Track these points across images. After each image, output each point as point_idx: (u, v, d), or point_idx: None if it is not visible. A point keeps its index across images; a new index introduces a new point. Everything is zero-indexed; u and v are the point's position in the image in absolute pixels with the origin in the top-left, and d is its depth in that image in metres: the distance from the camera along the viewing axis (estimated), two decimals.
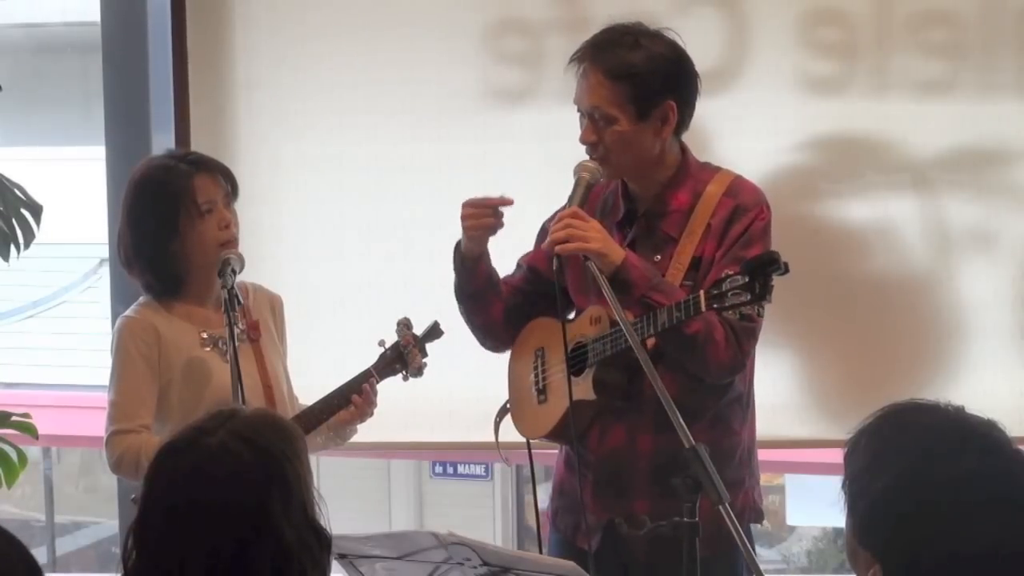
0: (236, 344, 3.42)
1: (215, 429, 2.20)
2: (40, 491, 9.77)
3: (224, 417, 2.24)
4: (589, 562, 3.33)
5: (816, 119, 4.09)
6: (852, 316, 4.09)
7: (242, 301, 3.50)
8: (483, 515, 9.86)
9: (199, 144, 4.08)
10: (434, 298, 3.71)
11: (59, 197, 4.69)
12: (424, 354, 3.66)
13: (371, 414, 3.64)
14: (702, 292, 3.16)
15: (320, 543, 2.21)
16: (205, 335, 3.59)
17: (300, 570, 2.16)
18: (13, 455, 4.08)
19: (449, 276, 3.62)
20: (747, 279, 3.08)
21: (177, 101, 4.21)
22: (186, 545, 2.13)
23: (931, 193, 4.08)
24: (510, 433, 3.66)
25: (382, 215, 4.21)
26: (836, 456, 2.21)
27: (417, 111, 4.17)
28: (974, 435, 2.00)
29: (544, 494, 3.98)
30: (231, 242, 3.56)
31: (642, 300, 3.28)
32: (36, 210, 4.07)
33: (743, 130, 4.05)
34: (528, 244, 3.66)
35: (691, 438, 2.86)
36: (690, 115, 3.43)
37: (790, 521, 9.78)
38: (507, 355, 3.67)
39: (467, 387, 4.02)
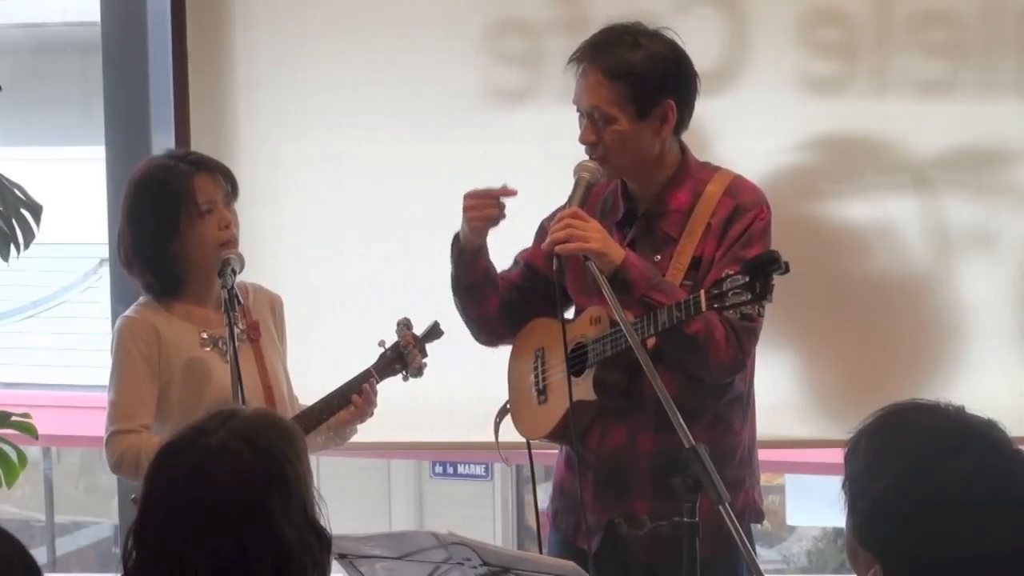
0: (236, 344, 3.42)
1: (215, 429, 2.20)
2: (40, 491, 9.77)
3: (224, 417, 2.24)
4: (589, 562, 3.33)
5: (816, 119, 4.09)
6: (852, 316, 4.09)
7: (242, 301, 3.50)
8: (483, 515, 9.85)
9: (199, 144, 4.07)
10: (434, 298, 3.71)
11: (59, 197, 4.70)
12: (424, 354, 3.66)
13: (371, 414, 3.64)
14: (703, 292, 3.16)
15: (320, 543, 2.21)
16: (205, 335, 3.59)
17: (300, 570, 2.16)
18: (13, 455, 4.08)
19: (450, 276, 3.62)
20: (748, 279, 3.08)
21: (177, 101, 4.21)
22: (186, 545, 2.13)
23: (931, 193, 4.08)
24: (510, 433, 3.66)
25: (382, 215, 4.21)
26: (836, 456, 2.21)
27: (417, 111, 4.17)
28: (974, 435, 2.00)
29: (544, 494, 3.98)
30: (231, 242, 3.56)
31: (642, 300, 3.28)
32: (36, 210, 4.07)
33: (743, 130, 4.05)
34: (527, 244, 3.66)
35: (691, 438, 2.86)
36: (689, 114, 3.43)
37: (790, 521, 9.77)
38: (507, 355, 3.67)
39: (467, 387, 4.02)
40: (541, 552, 3.56)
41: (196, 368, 3.56)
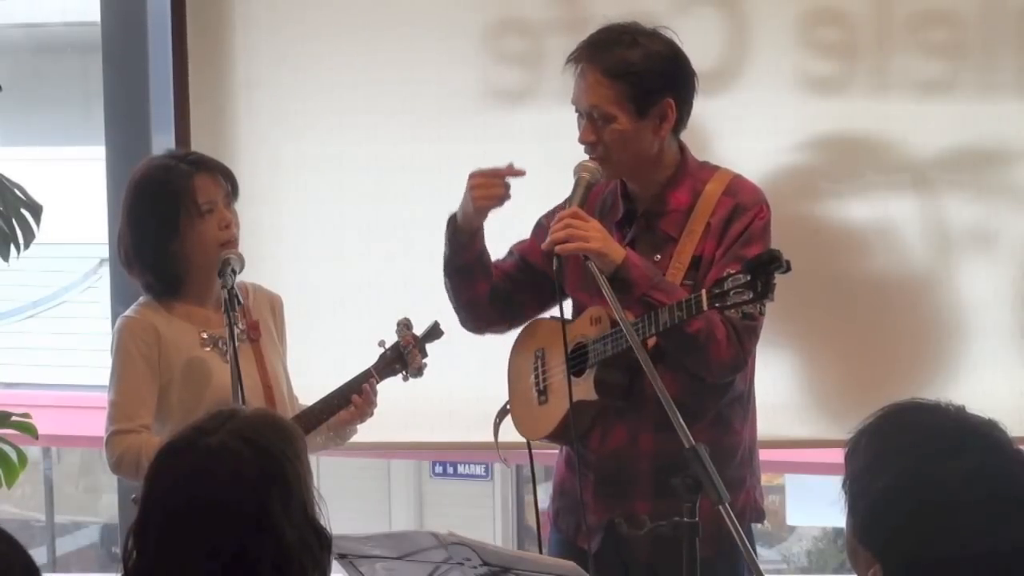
0: (236, 344, 3.42)
1: (215, 429, 2.20)
2: (40, 491, 9.77)
3: (224, 417, 2.24)
4: (589, 562, 3.33)
5: (816, 119, 4.09)
6: (852, 316, 4.09)
7: (242, 301, 3.50)
8: (483, 515, 9.85)
9: (199, 144, 4.08)
10: (434, 298, 3.71)
11: (59, 197, 4.69)
12: (424, 354, 3.66)
13: (371, 414, 3.64)
14: (704, 291, 3.16)
15: (320, 543, 2.21)
16: (205, 335, 3.59)
17: (300, 570, 2.16)
18: (13, 455, 4.08)
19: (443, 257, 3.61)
20: (749, 277, 3.08)
21: (177, 101, 4.21)
22: (187, 545, 2.13)
23: (931, 193, 4.08)
24: (510, 433, 3.66)
25: (382, 215, 4.21)
26: (836, 456, 2.21)
27: (417, 111, 4.17)
28: (975, 435, 2.00)
29: (544, 494, 3.99)
30: (231, 242, 3.56)
31: (643, 299, 3.28)
32: (36, 210, 4.07)
33: (743, 130, 4.05)
34: None
35: (691, 438, 2.86)
36: (688, 113, 3.44)
37: (790, 521, 9.77)
38: (507, 354, 3.67)
39: (467, 387, 4.02)
40: (541, 552, 3.56)
41: (196, 368, 3.56)
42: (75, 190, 6.44)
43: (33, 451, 7.17)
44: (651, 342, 3.29)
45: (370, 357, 3.66)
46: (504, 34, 4.16)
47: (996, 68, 4.04)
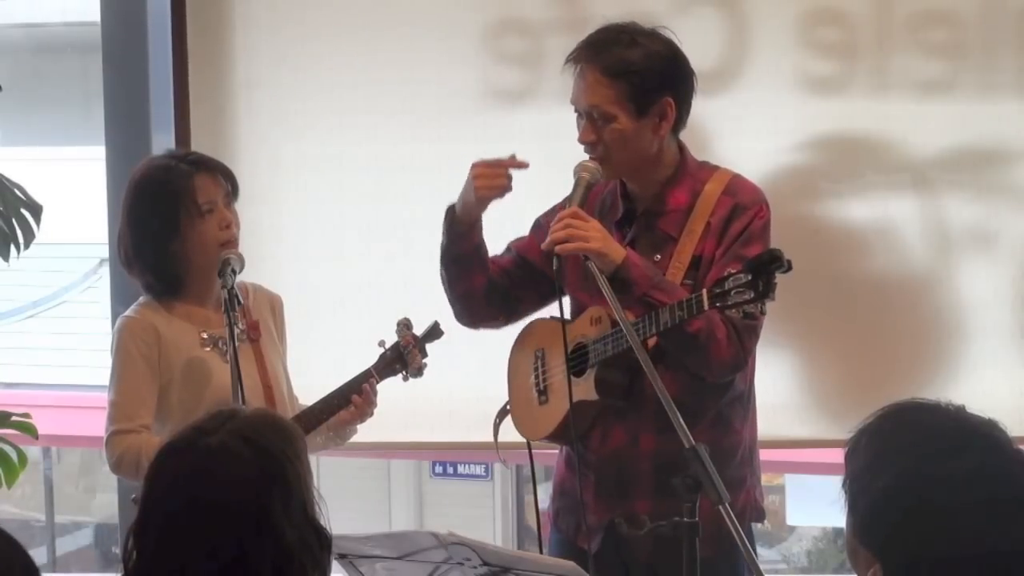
0: (236, 344, 3.42)
1: (215, 429, 2.20)
2: (40, 491, 9.77)
3: (224, 417, 2.24)
4: (589, 562, 3.33)
5: (816, 119, 4.09)
6: (852, 316, 4.09)
7: (242, 301, 3.50)
8: (483, 515, 9.85)
9: (199, 144, 4.08)
10: (434, 298, 3.70)
11: (59, 197, 4.69)
12: (424, 354, 3.66)
13: (371, 414, 3.64)
14: (705, 291, 3.16)
15: (320, 543, 2.21)
16: (205, 335, 3.59)
17: (300, 570, 2.16)
18: (13, 455, 4.08)
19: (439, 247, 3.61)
20: (750, 277, 3.08)
21: (177, 101, 4.21)
22: (187, 545, 2.13)
23: (931, 193, 4.08)
24: (510, 433, 3.66)
25: (382, 215, 4.21)
26: (836, 456, 2.21)
27: (417, 111, 4.17)
28: (975, 435, 2.00)
29: (544, 494, 3.98)
30: (231, 242, 3.56)
31: (643, 299, 3.28)
32: (36, 210, 4.07)
33: (743, 130, 4.05)
34: None
35: (691, 438, 2.86)
36: (687, 113, 3.44)
37: (790, 521, 9.77)
38: (507, 354, 3.67)
39: (467, 387, 4.02)
40: (541, 552, 3.56)
41: (196, 368, 3.56)
42: (75, 190, 6.44)
43: (33, 451, 7.17)
44: (651, 342, 3.29)
45: (370, 357, 3.66)
46: (504, 34, 4.16)
47: (996, 68, 4.04)
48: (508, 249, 3.66)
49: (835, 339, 4.11)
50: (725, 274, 3.13)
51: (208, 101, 4.22)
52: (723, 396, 3.45)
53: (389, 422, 3.78)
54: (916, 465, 1.98)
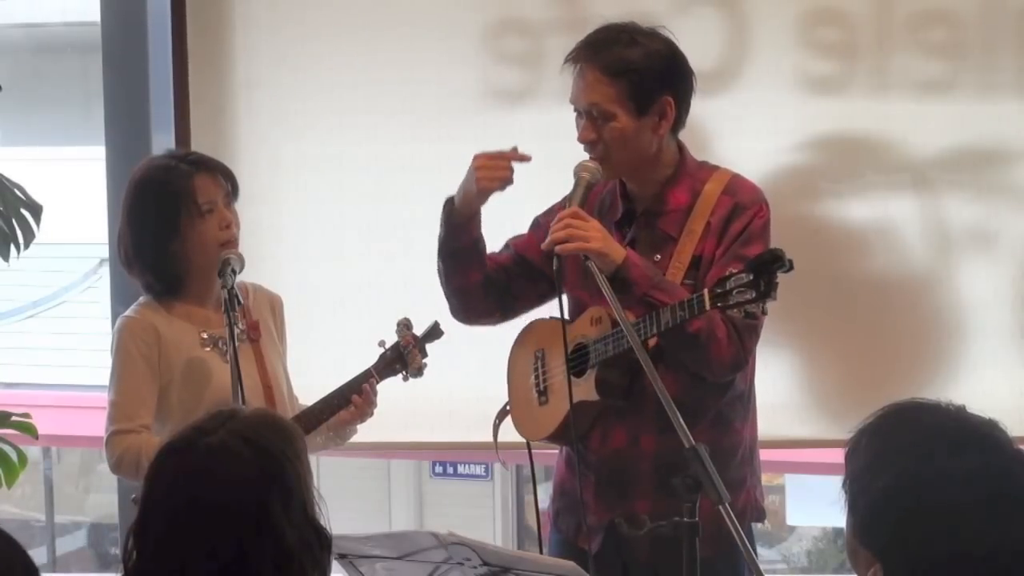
0: (236, 344, 3.42)
1: (215, 429, 2.20)
2: (40, 491, 9.76)
3: (224, 417, 2.24)
4: (590, 563, 3.33)
5: (816, 119, 4.09)
6: (852, 316, 4.09)
7: (242, 301, 3.50)
8: (483, 515, 9.84)
9: (199, 144, 4.08)
10: (434, 298, 3.70)
11: (59, 197, 4.69)
12: (424, 354, 3.66)
13: (371, 414, 3.64)
14: (706, 290, 3.16)
15: (320, 543, 2.21)
16: (205, 335, 3.59)
17: (300, 570, 2.16)
18: (13, 455, 4.08)
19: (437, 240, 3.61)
20: (751, 277, 3.08)
21: (177, 101, 4.21)
22: (187, 545, 2.13)
23: (931, 193, 4.08)
24: (510, 433, 3.66)
25: (382, 215, 4.21)
26: (836, 456, 2.21)
27: (417, 111, 4.17)
28: (975, 434, 2.01)
29: (544, 494, 3.98)
30: (231, 242, 3.56)
31: (644, 299, 3.28)
32: (36, 210, 4.07)
33: (743, 130, 4.05)
34: None
35: (691, 438, 2.86)
36: (686, 112, 3.44)
37: (790, 521, 9.77)
38: (507, 354, 3.67)
39: (467, 387, 4.02)
40: (541, 552, 3.56)
41: (196, 368, 3.56)
42: (75, 190, 6.44)
43: (33, 451, 7.17)
44: (652, 342, 3.29)
45: (370, 357, 3.66)
46: (504, 34, 4.16)
47: (996, 68, 4.04)
48: (507, 246, 3.66)
49: (835, 339, 4.11)
50: (727, 274, 3.13)
51: (208, 101, 4.22)
52: (723, 396, 3.45)
53: (389, 422, 3.78)
54: (916, 465, 1.98)
